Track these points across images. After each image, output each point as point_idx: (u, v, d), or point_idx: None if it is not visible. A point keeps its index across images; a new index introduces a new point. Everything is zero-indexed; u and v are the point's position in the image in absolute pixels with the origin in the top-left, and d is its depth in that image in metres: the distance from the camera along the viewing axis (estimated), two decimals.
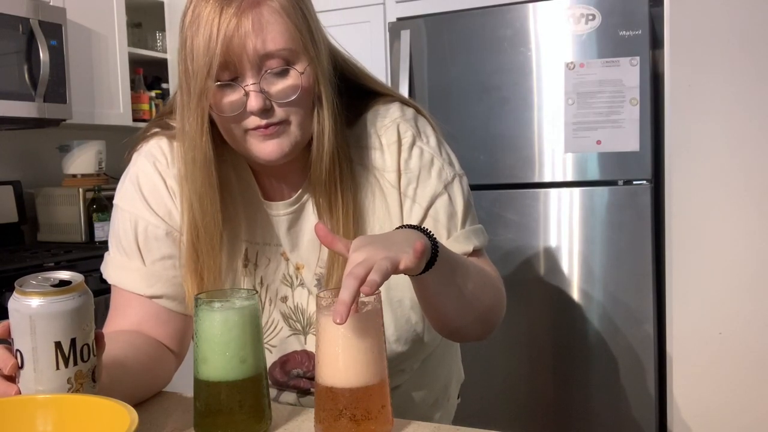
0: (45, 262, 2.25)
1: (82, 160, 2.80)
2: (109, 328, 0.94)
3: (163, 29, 3.20)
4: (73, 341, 0.67)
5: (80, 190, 2.71)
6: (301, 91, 0.83)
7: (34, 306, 0.66)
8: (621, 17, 2.12)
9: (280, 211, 0.95)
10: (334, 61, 0.92)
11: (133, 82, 3.03)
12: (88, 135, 2.92)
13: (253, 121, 0.84)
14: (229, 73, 0.82)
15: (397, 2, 2.59)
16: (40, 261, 2.26)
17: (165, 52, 3.20)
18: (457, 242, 0.93)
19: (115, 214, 0.96)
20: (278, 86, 0.83)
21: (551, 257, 2.24)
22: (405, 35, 2.36)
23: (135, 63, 3.04)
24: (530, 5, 2.22)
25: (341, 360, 0.72)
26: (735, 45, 1.97)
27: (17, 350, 0.67)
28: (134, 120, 2.97)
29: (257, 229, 0.96)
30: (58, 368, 0.67)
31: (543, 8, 2.21)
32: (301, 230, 0.96)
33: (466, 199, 0.96)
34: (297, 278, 0.97)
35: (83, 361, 0.69)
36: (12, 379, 0.69)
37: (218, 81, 0.82)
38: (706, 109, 2.01)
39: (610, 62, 2.13)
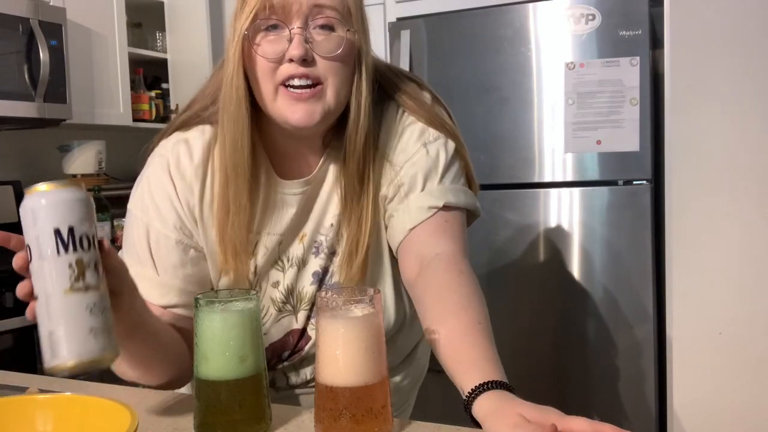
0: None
1: (82, 160, 2.80)
2: None
3: (163, 29, 3.20)
4: (71, 229, 0.69)
5: None
6: (344, 47, 0.84)
7: (34, 199, 0.70)
8: (621, 17, 2.12)
9: (296, 190, 0.95)
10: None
11: (133, 82, 3.03)
12: (88, 135, 2.92)
13: (287, 69, 0.83)
14: (277, 16, 0.83)
15: (397, 2, 2.59)
16: None
17: (165, 52, 3.20)
18: (430, 195, 0.92)
19: (129, 219, 0.96)
20: (323, 38, 0.84)
21: (551, 257, 2.24)
22: (405, 35, 2.36)
23: (135, 63, 3.04)
24: (530, 5, 2.22)
25: (341, 360, 0.72)
26: (735, 45, 1.97)
27: (27, 246, 0.70)
28: (134, 120, 2.97)
29: (262, 218, 0.95)
30: (59, 254, 0.68)
31: (543, 8, 2.21)
32: (315, 203, 0.96)
33: (448, 159, 0.95)
34: (288, 260, 0.97)
35: (83, 250, 0.70)
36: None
37: (265, 21, 0.82)
38: (706, 109, 2.01)
39: (610, 62, 2.13)
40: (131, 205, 0.95)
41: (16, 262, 0.71)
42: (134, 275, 0.93)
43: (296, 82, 0.84)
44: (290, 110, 0.85)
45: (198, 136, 0.95)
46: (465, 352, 0.77)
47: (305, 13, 0.82)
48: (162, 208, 0.93)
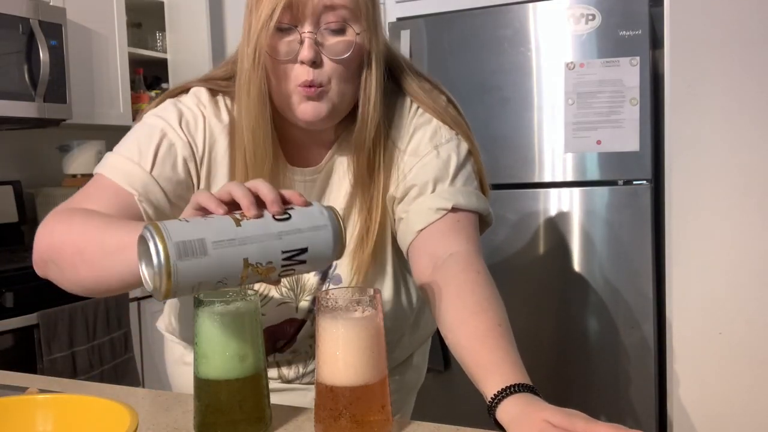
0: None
1: (82, 160, 2.80)
2: (74, 206, 0.89)
3: (163, 29, 3.20)
4: (303, 261, 0.70)
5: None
6: (353, 50, 0.87)
7: (331, 226, 0.71)
8: (621, 17, 2.12)
9: (307, 177, 0.97)
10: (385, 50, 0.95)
11: (133, 82, 3.03)
12: (88, 135, 2.92)
13: (301, 72, 0.86)
14: (289, 18, 0.85)
15: (397, 2, 2.59)
16: None
17: (165, 52, 3.20)
18: (440, 197, 0.92)
19: (143, 122, 0.94)
20: (332, 41, 0.86)
21: (551, 257, 2.24)
22: (405, 35, 2.36)
23: (135, 63, 3.04)
24: (530, 5, 2.22)
25: (341, 359, 0.72)
26: (735, 45, 1.97)
27: (288, 214, 0.69)
28: (134, 120, 2.95)
29: None
30: (282, 253, 0.68)
31: (543, 8, 2.21)
32: (323, 194, 0.98)
33: (460, 161, 0.96)
34: None
35: (278, 273, 0.69)
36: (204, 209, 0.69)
37: (278, 23, 0.84)
38: (706, 109, 2.01)
39: (610, 62, 2.13)
40: (150, 113, 0.95)
41: (274, 205, 0.68)
42: (123, 167, 0.90)
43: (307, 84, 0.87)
44: (300, 108, 0.88)
45: (223, 100, 0.96)
46: (487, 355, 0.76)
47: (317, 14, 0.84)
48: (185, 129, 0.92)
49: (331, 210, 0.72)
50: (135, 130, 0.94)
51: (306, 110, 0.88)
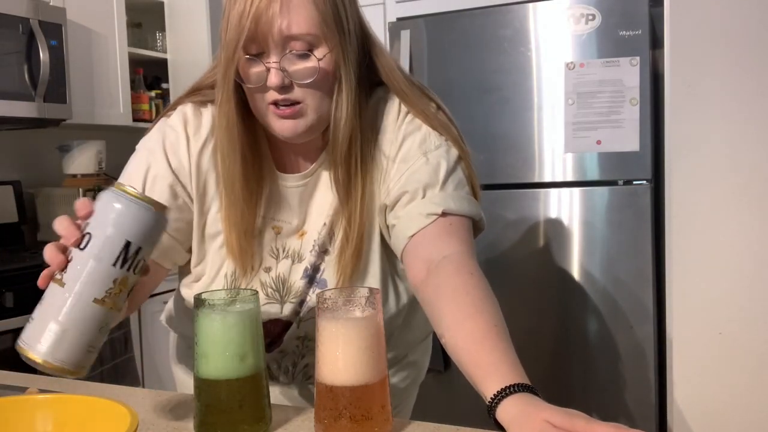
0: (45, 262, 2.25)
1: (82, 160, 2.80)
2: None
3: (163, 29, 3.20)
4: (138, 250, 0.69)
5: (80, 190, 2.71)
6: (318, 75, 0.88)
7: (127, 203, 0.69)
8: (621, 17, 2.12)
9: (293, 183, 0.98)
10: (365, 49, 0.95)
11: (133, 82, 3.03)
12: (88, 135, 2.92)
13: (272, 94, 0.89)
14: (256, 47, 0.87)
15: (397, 2, 2.59)
16: (40, 261, 2.24)
17: (165, 52, 3.20)
18: (431, 202, 0.93)
19: (134, 154, 1.00)
20: (298, 67, 0.88)
21: (551, 257, 2.24)
22: (405, 35, 2.36)
23: (135, 63, 3.04)
24: (530, 5, 2.22)
25: (341, 359, 0.72)
26: (735, 45, 1.97)
27: (88, 233, 0.69)
28: (134, 120, 2.97)
29: (266, 205, 0.99)
30: (114, 265, 0.68)
31: (543, 8, 2.21)
32: (312, 200, 0.99)
33: (450, 167, 0.96)
34: (283, 251, 0.99)
35: (133, 273, 0.70)
36: (64, 251, 0.71)
37: (246, 53, 0.87)
38: (706, 109, 2.01)
39: (610, 62, 2.13)
40: (141, 143, 1.00)
41: (70, 237, 0.70)
42: None
43: (279, 103, 0.90)
44: (277, 125, 0.91)
45: (210, 110, 1.00)
46: (485, 356, 0.77)
47: (281, 42, 0.86)
48: (170, 151, 0.97)
49: (112, 191, 0.71)
50: (129, 164, 1.00)
51: (283, 128, 0.90)
